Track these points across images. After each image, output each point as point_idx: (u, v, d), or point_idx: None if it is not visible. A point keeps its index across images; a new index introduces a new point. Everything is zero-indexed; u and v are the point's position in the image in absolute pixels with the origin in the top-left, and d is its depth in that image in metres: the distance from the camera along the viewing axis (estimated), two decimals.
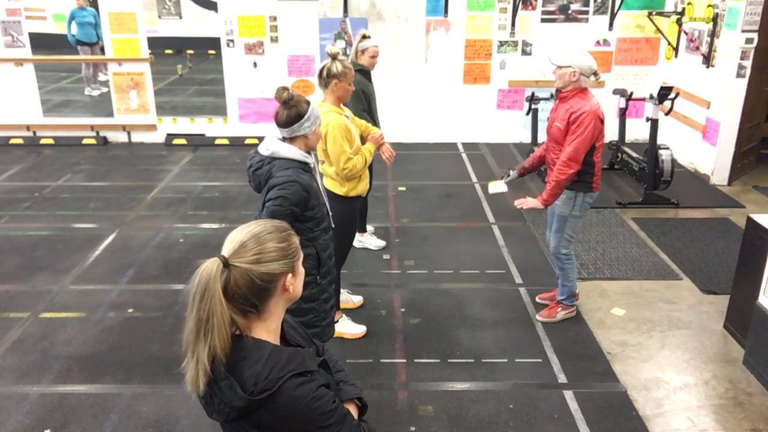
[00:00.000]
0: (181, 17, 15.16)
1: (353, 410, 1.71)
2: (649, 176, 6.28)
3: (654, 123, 6.24)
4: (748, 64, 6.56)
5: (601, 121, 3.84)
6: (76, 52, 10.79)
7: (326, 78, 3.66)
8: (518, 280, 4.87)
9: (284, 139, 2.87)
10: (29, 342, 4.07)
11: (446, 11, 7.99)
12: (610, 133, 6.89)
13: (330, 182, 3.83)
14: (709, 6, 6.90)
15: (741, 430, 3.31)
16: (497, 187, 4.23)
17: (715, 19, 6.77)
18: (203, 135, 8.47)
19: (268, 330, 1.54)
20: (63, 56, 10.99)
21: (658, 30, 7.96)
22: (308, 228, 2.90)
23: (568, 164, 3.80)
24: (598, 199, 4.17)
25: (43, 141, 8.41)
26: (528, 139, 7.47)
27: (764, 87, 6.83)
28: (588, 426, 3.32)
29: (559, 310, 4.28)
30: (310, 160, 2.91)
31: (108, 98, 8.63)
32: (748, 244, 3.94)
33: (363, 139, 3.87)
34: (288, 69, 8.13)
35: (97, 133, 8.50)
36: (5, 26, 7.99)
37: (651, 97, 6.33)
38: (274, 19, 7.96)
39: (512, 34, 8.08)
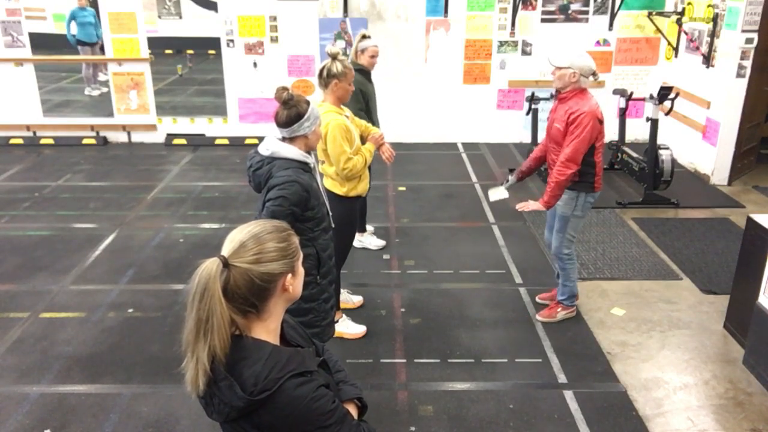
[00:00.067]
0: (181, 17, 15.17)
1: (353, 410, 1.71)
2: (649, 176, 6.28)
3: (654, 123, 6.24)
4: (748, 64, 6.56)
5: (600, 122, 3.84)
6: (76, 52, 10.79)
7: (326, 78, 3.66)
8: (518, 280, 4.87)
9: (284, 139, 2.87)
10: (29, 342, 4.08)
11: (446, 11, 7.99)
12: (610, 133, 6.90)
13: (330, 182, 3.83)
14: (709, 6, 6.90)
15: (741, 430, 3.31)
16: (498, 193, 4.23)
17: (715, 19, 6.77)
18: (203, 135, 8.47)
19: (267, 330, 1.54)
20: (63, 56, 10.99)
21: (658, 30, 7.96)
22: (308, 228, 2.90)
23: (567, 165, 3.80)
24: (598, 199, 4.17)
25: (43, 141, 8.41)
26: (528, 139, 7.47)
27: (764, 87, 6.82)
28: (588, 426, 3.32)
29: (559, 310, 4.28)
30: (310, 160, 2.91)
31: (108, 98, 8.63)
32: (748, 244, 3.94)
33: (363, 139, 3.87)
34: (288, 69, 8.14)
35: (97, 133, 8.50)
36: (5, 26, 7.99)
37: (651, 97, 6.33)
38: (274, 19, 7.96)
39: (512, 34, 8.08)
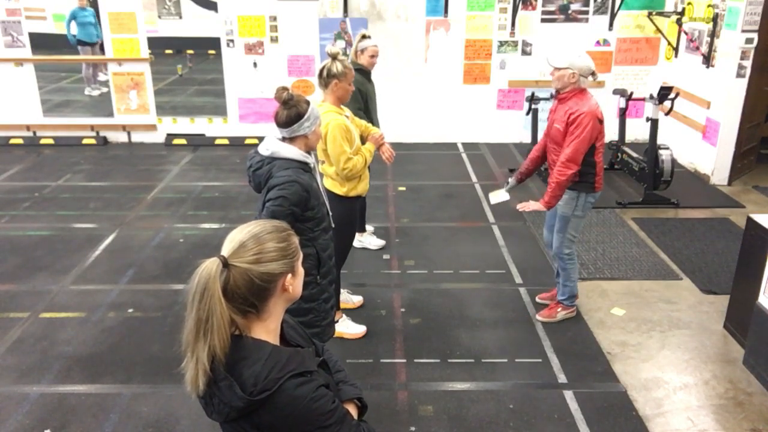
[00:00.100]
0: (181, 17, 15.17)
1: (353, 410, 1.71)
2: (649, 176, 6.28)
3: (654, 123, 6.24)
4: (748, 64, 6.56)
5: (600, 122, 3.84)
6: (77, 51, 10.79)
7: (326, 78, 3.66)
8: (518, 280, 4.87)
9: (284, 139, 2.87)
10: (29, 342, 4.08)
11: (446, 11, 7.99)
12: (610, 133, 6.89)
13: (330, 182, 3.83)
14: (709, 6, 6.90)
15: (741, 430, 3.31)
16: (498, 196, 4.23)
17: (715, 19, 6.77)
18: (203, 135, 8.47)
19: (267, 330, 1.54)
20: (63, 56, 11.00)
21: (658, 30, 7.96)
22: (308, 228, 2.90)
23: (567, 165, 3.80)
24: (598, 199, 4.17)
25: (43, 141, 8.41)
26: (528, 139, 7.46)
27: (764, 87, 6.82)
28: (588, 426, 3.32)
29: (559, 310, 4.28)
30: (310, 160, 2.91)
31: (108, 98, 8.63)
32: (748, 244, 3.94)
33: (363, 139, 3.87)
34: (288, 69, 8.14)
35: (97, 133, 8.50)
36: (5, 26, 7.99)
37: (651, 97, 6.33)
38: (274, 19, 7.96)
39: (512, 34, 8.08)
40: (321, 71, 3.67)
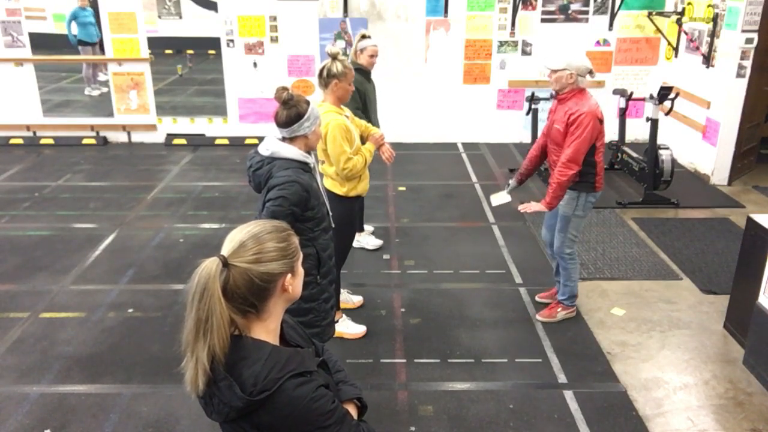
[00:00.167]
0: (181, 17, 15.16)
1: (353, 410, 1.70)
2: (649, 176, 6.28)
3: (654, 123, 6.24)
4: (748, 64, 6.56)
5: (600, 121, 3.84)
6: (77, 51, 10.79)
7: (326, 78, 3.66)
8: (518, 280, 4.87)
9: (284, 139, 2.87)
10: (29, 342, 4.08)
11: (446, 11, 7.99)
12: (610, 133, 6.89)
13: (330, 182, 3.83)
14: (709, 6, 6.90)
15: (741, 430, 3.31)
16: (500, 198, 4.24)
17: (715, 19, 6.77)
18: (203, 135, 8.47)
19: (267, 330, 1.53)
20: (63, 56, 10.99)
21: (658, 30, 7.96)
22: (308, 228, 2.90)
23: (568, 165, 3.80)
24: (599, 199, 4.17)
25: (43, 141, 8.41)
26: (528, 139, 7.46)
27: (764, 87, 6.82)
28: (588, 426, 3.32)
29: (559, 310, 4.28)
30: (310, 160, 2.91)
31: (108, 98, 8.63)
32: (748, 244, 3.94)
33: (363, 139, 3.87)
34: (288, 69, 8.14)
35: (97, 133, 8.50)
36: (5, 26, 7.99)
37: (651, 97, 6.33)
38: (274, 19, 7.96)
39: (512, 34, 8.08)
40: (321, 71, 3.67)
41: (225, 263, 1.46)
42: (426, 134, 8.46)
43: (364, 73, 4.77)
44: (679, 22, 7.51)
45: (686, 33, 7.43)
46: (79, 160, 7.79)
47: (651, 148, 6.24)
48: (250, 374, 1.43)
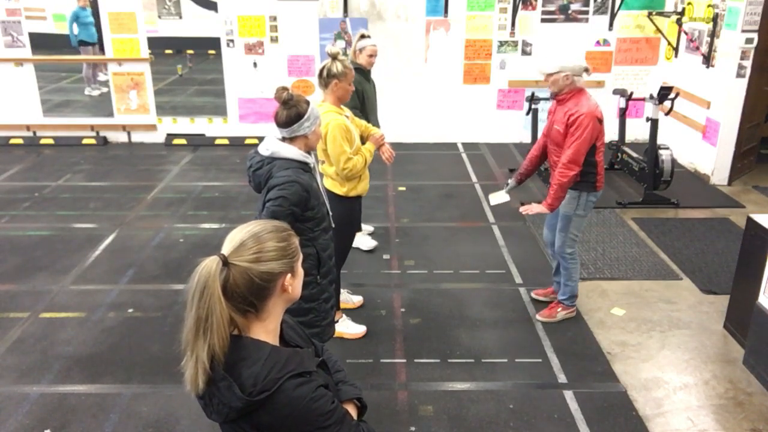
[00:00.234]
0: (181, 17, 15.16)
1: (352, 410, 1.70)
2: (649, 176, 6.28)
3: (654, 123, 6.24)
4: (748, 64, 6.56)
5: (600, 122, 3.84)
6: (77, 52, 10.79)
7: (326, 78, 3.66)
8: (518, 280, 4.86)
9: (284, 139, 2.87)
10: (29, 342, 4.08)
11: (446, 11, 7.99)
12: (610, 133, 6.89)
13: (330, 182, 3.83)
14: (709, 6, 6.90)
15: (741, 430, 3.31)
16: (498, 197, 4.24)
17: (715, 19, 6.77)
18: (203, 135, 8.47)
19: (266, 330, 1.53)
20: (63, 56, 11.00)
21: (658, 30, 7.96)
22: (308, 228, 2.90)
23: (568, 167, 3.80)
24: (599, 198, 4.18)
25: (43, 141, 8.41)
26: (528, 139, 7.46)
27: (764, 87, 6.82)
28: (588, 426, 3.32)
29: (559, 310, 4.28)
30: (310, 160, 2.91)
31: (108, 98, 8.63)
32: (748, 244, 3.94)
33: (363, 139, 3.87)
34: (288, 69, 8.14)
35: (97, 133, 8.50)
36: (5, 26, 7.99)
37: (651, 97, 6.33)
38: (274, 19, 7.96)
39: (512, 34, 8.08)
40: (321, 71, 3.67)
41: (225, 262, 1.46)
42: (426, 134, 8.46)
43: (363, 72, 4.77)
44: (679, 22, 7.51)
45: (686, 33, 7.43)
46: (79, 160, 7.79)
47: (651, 148, 6.24)
48: (249, 375, 1.43)
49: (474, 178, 7.18)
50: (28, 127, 8.43)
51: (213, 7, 8.40)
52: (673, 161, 6.24)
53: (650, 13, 7.89)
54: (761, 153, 7.57)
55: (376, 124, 4.80)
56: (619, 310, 4.43)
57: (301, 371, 1.47)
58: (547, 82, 3.90)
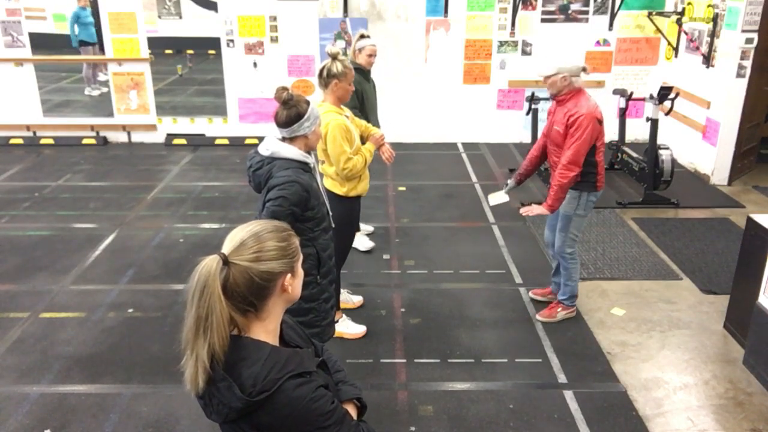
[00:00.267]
0: (181, 17, 15.16)
1: (352, 410, 1.70)
2: (649, 176, 6.28)
3: (654, 123, 6.24)
4: (748, 64, 6.56)
5: (600, 122, 3.85)
6: (77, 52, 10.79)
7: (326, 78, 3.66)
8: (518, 280, 4.86)
9: (284, 139, 2.87)
10: (29, 342, 4.07)
11: (446, 11, 7.99)
12: (610, 133, 6.89)
13: (330, 182, 3.83)
14: (709, 6, 6.90)
15: (741, 430, 3.31)
16: (498, 198, 4.24)
17: (715, 19, 6.77)
18: (203, 135, 8.47)
19: (266, 330, 1.53)
20: (63, 56, 11.00)
21: (658, 30, 7.96)
22: (308, 228, 2.90)
23: (569, 167, 3.81)
24: (599, 198, 4.18)
25: (43, 141, 8.41)
26: (528, 139, 7.46)
27: (764, 87, 6.82)
28: (588, 426, 3.32)
29: (559, 310, 4.28)
30: (310, 160, 2.91)
31: (108, 98, 8.63)
32: (748, 244, 3.94)
33: (363, 139, 3.87)
34: (288, 69, 8.14)
35: (97, 133, 8.50)
36: (5, 26, 7.99)
37: (651, 97, 6.33)
38: (274, 19, 7.96)
39: (512, 34, 8.08)
40: (321, 71, 3.67)
41: (225, 261, 1.46)
42: (426, 134, 8.46)
43: (362, 72, 4.77)
44: (679, 22, 7.51)
45: (686, 33, 7.43)
46: (79, 160, 7.79)
47: (651, 148, 6.24)
48: (249, 375, 1.43)
49: (474, 178, 7.18)
50: (28, 127, 8.43)
51: (213, 7, 8.40)
52: (673, 161, 6.24)
53: (650, 13, 7.89)
54: (761, 153, 7.57)
55: (376, 124, 4.80)
56: (619, 310, 4.43)
57: (301, 371, 1.47)
58: (545, 83, 3.91)
